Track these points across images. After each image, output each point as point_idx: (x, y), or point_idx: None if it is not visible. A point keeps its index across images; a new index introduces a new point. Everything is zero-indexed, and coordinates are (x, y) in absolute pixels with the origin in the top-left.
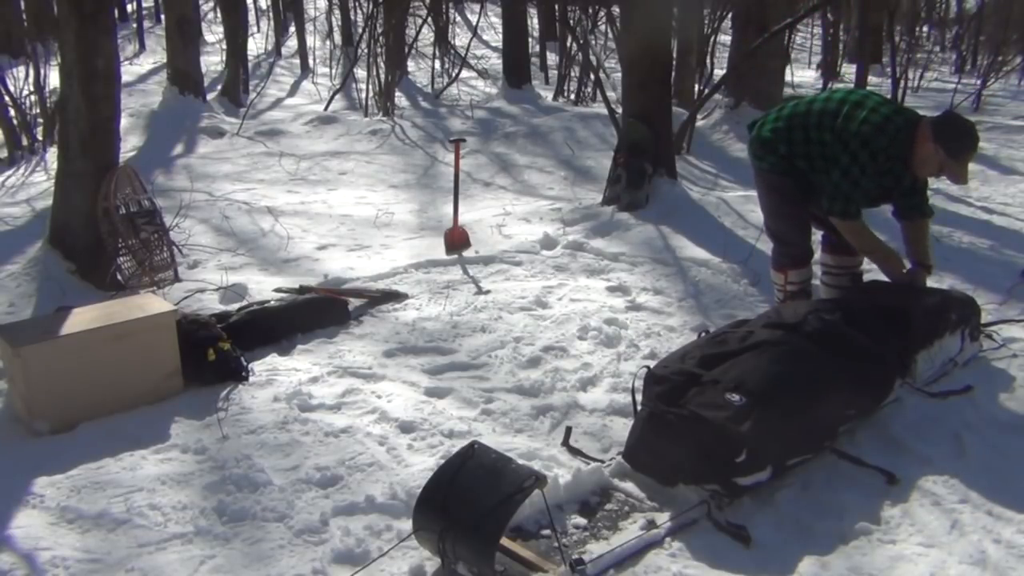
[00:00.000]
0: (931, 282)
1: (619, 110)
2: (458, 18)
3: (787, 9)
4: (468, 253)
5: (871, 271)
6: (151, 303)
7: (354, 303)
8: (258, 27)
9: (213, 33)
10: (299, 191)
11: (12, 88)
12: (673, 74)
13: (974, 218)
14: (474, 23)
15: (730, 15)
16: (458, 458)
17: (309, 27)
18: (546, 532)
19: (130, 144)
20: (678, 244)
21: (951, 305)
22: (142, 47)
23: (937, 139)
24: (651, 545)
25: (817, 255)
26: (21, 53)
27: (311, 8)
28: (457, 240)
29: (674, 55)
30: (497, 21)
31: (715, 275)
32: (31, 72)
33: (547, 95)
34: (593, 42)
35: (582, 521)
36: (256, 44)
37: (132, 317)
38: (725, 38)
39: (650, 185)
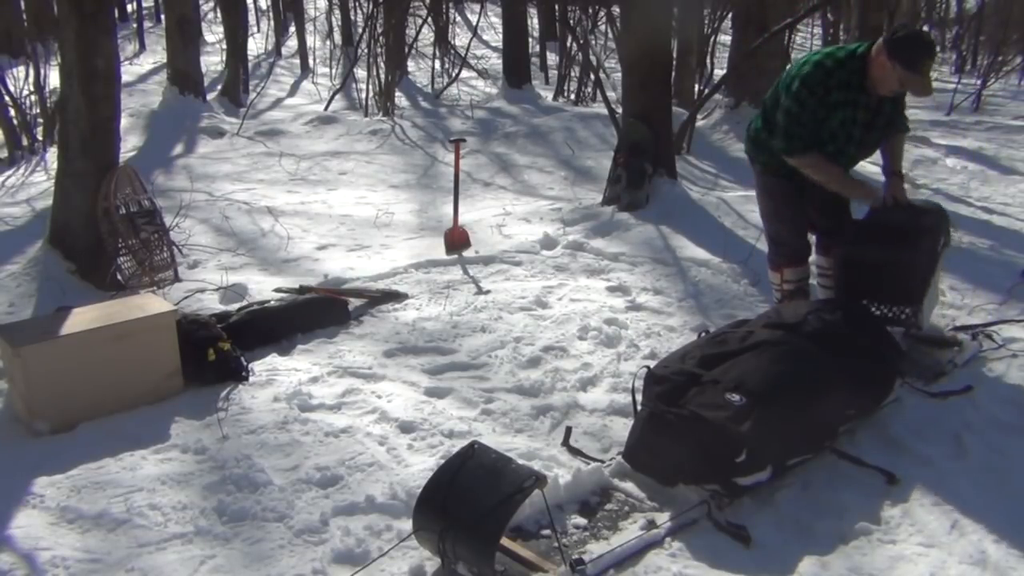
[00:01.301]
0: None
1: (619, 110)
2: (458, 18)
3: (787, 9)
4: (468, 253)
5: None
6: (151, 303)
7: (354, 303)
8: (258, 27)
9: (213, 33)
10: (299, 191)
11: (12, 88)
12: (673, 74)
13: (974, 218)
14: (474, 23)
15: (730, 15)
16: (458, 458)
17: (309, 27)
18: (546, 532)
19: (130, 144)
20: (678, 244)
21: (932, 231)
22: (142, 47)
23: (891, 55)
24: (651, 545)
25: (812, 257)
26: (21, 53)
27: (311, 8)
28: (457, 240)
29: (674, 55)
30: (497, 21)
31: (715, 275)
32: (31, 72)
33: (547, 95)
34: (593, 42)
35: (582, 521)
36: (256, 44)
37: (132, 317)
38: (725, 38)
39: (650, 185)
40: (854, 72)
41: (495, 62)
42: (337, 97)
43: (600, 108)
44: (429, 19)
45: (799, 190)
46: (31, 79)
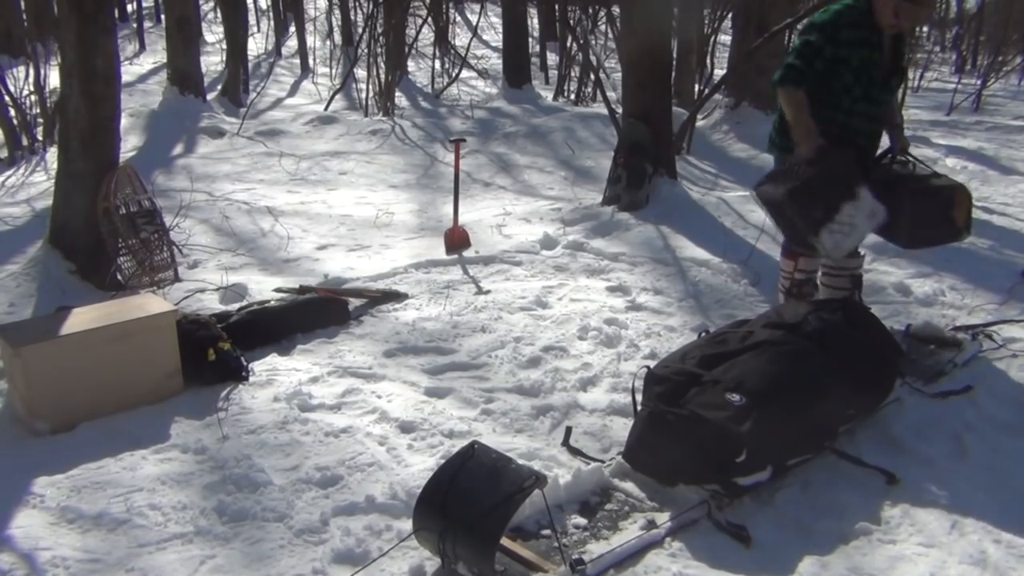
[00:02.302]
0: (931, 283)
1: (619, 110)
2: (458, 18)
3: (787, 9)
4: (468, 253)
5: (870, 271)
6: (151, 303)
7: (354, 303)
8: (258, 27)
9: (213, 33)
10: (299, 191)
11: (12, 88)
12: (673, 74)
13: (974, 218)
14: (474, 23)
15: (730, 15)
16: (458, 458)
17: (309, 27)
18: (546, 532)
19: (130, 144)
20: (678, 244)
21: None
22: (142, 47)
23: None
24: (651, 545)
25: None
26: (21, 53)
27: (311, 8)
28: (457, 240)
29: (674, 55)
30: (497, 21)
31: (715, 275)
32: (31, 72)
33: (547, 95)
34: (593, 42)
35: (582, 521)
36: (256, 44)
37: (132, 317)
38: (725, 38)
39: (650, 185)
40: (861, 12)
41: (495, 62)
42: (337, 97)
43: (600, 108)
44: (429, 19)
45: None
46: (31, 79)
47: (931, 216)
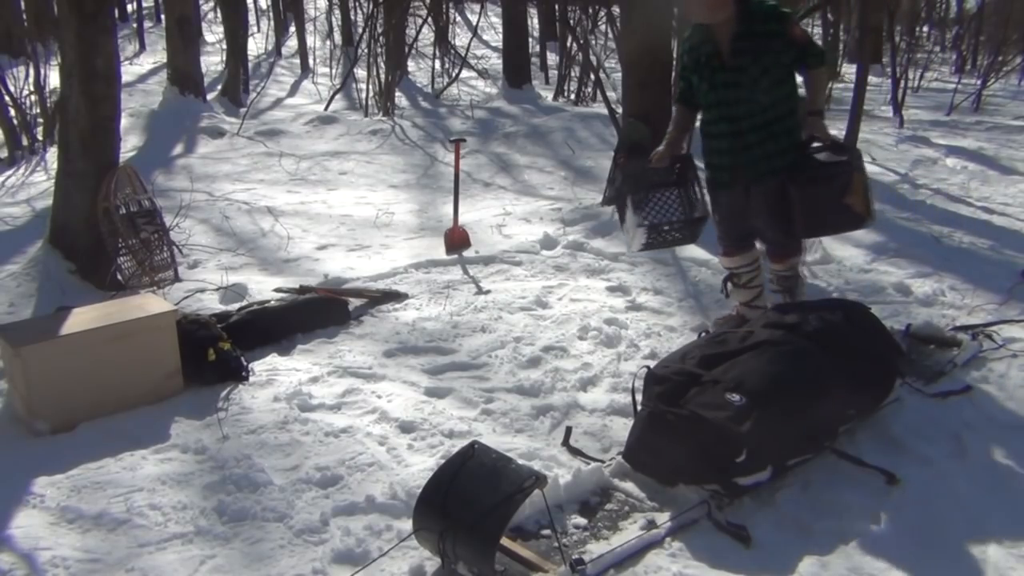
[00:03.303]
0: (931, 283)
1: (619, 110)
2: (458, 18)
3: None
4: (468, 253)
5: (870, 271)
6: (151, 303)
7: (354, 303)
8: (258, 27)
9: (213, 33)
10: (299, 191)
11: (12, 88)
12: (673, 74)
13: (974, 218)
14: (474, 23)
15: None
16: (458, 458)
17: (309, 27)
18: (546, 532)
19: (130, 144)
20: None
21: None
22: (142, 47)
23: None
24: (651, 545)
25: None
26: (21, 53)
27: (311, 8)
28: (457, 240)
29: (674, 55)
30: (497, 21)
31: (715, 275)
32: (31, 72)
33: (547, 95)
34: (593, 42)
35: (582, 521)
36: (256, 44)
37: (132, 317)
38: None
39: None
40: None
41: (495, 62)
42: (337, 97)
43: (600, 108)
44: (429, 19)
45: (744, 195)
46: (31, 79)
47: (823, 204)
